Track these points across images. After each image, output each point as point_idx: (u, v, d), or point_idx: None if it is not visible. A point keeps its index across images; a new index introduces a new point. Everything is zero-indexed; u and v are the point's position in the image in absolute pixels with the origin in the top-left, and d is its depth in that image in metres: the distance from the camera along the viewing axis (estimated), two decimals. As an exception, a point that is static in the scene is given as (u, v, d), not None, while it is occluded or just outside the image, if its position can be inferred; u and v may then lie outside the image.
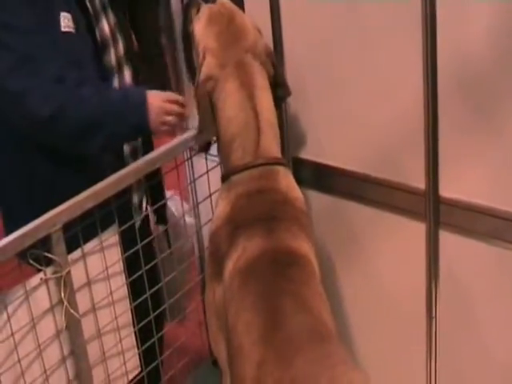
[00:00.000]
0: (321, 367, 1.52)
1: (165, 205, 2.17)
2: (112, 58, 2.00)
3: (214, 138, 2.00)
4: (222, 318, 1.82)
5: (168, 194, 2.22)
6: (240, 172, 1.86)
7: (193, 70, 2.01)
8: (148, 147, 2.11)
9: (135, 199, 2.10)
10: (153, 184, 2.08)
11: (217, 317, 1.87)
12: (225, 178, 1.91)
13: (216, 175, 2.06)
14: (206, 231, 2.24)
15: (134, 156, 2.07)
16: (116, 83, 2.01)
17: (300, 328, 1.61)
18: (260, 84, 1.90)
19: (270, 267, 1.73)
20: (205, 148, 2.00)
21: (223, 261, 1.80)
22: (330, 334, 1.65)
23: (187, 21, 2.02)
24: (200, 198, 2.21)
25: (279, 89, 1.99)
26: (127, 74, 2.05)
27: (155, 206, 2.12)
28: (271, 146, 1.89)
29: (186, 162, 2.25)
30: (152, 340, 2.06)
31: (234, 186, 1.87)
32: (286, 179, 1.88)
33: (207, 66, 1.90)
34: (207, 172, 2.12)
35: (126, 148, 2.05)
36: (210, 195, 2.13)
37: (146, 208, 2.16)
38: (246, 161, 1.86)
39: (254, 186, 1.85)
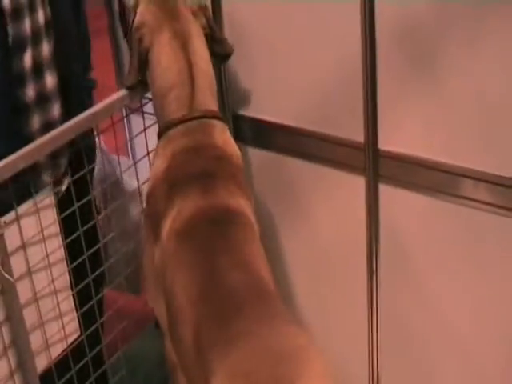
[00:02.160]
0: (259, 325, 1.49)
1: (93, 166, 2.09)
2: (27, 27, 1.82)
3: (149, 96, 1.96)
4: (160, 280, 1.78)
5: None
6: (175, 126, 1.82)
7: (125, 24, 1.97)
8: None
9: (64, 161, 2.02)
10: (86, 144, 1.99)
11: (156, 280, 1.83)
12: (161, 135, 1.86)
13: (154, 133, 2.01)
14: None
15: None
16: (29, 57, 1.85)
17: (238, 286, 1.58)
18: (194, 33, 1.87)
19: (206, 226, 1.70)
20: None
21: (160, 222, 1.76)
22: (269, 291, 1.63)
23: None
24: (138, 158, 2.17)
25: (216, 45, 1.94)
26: (45, 49, 1.88)
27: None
28: (206, 98, 1.85)
29: (124, 120, 2.22)
30: (91, 303, 2.02)
31: (170, 141, 1.82)
32: (222, 134, 1.85)
33: (140, 13, 1.88)
34: (144, 130, 2.07)
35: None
36: (148, 153, 2.08)
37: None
38: (181, 114, 1.82)
39: (189, 142, 1.80)
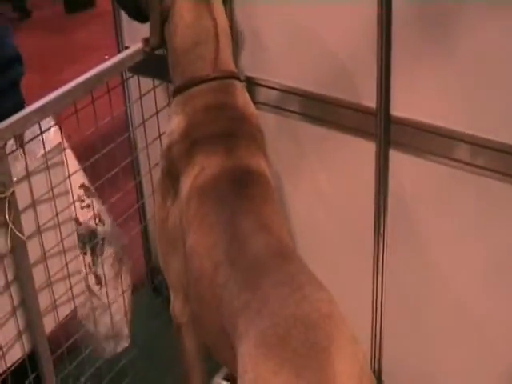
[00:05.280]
0: (288, 288, 1.48)
1: None
2: None
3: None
4: (176, 238, 1.76)
5: None
6: (198, 84, 1.79)
7: None
8: None
9: None
10: None
11: (168, 242, 1.81)
12: (178, 91, 1.83)
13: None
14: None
15: None
16: None
17: (262, 249, 1.57)
18: None
19: (229, 186, 1.68)
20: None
21: (179, 178, 1.74)
22: (292, 253, 1.62)
23: None
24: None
25: None
26: None
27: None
28: (228, 58, 1.84)
29: (125, 84, 2.19)
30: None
31: (191, 99, 1.79)
32: (242, 95, 1.83)
33: None
34: (154, 89, 2.03)
35: None
36: (157, 112, 2.05)
37: None
38: (205, 73, 1.79)
39: (211, 101, 1.78)
